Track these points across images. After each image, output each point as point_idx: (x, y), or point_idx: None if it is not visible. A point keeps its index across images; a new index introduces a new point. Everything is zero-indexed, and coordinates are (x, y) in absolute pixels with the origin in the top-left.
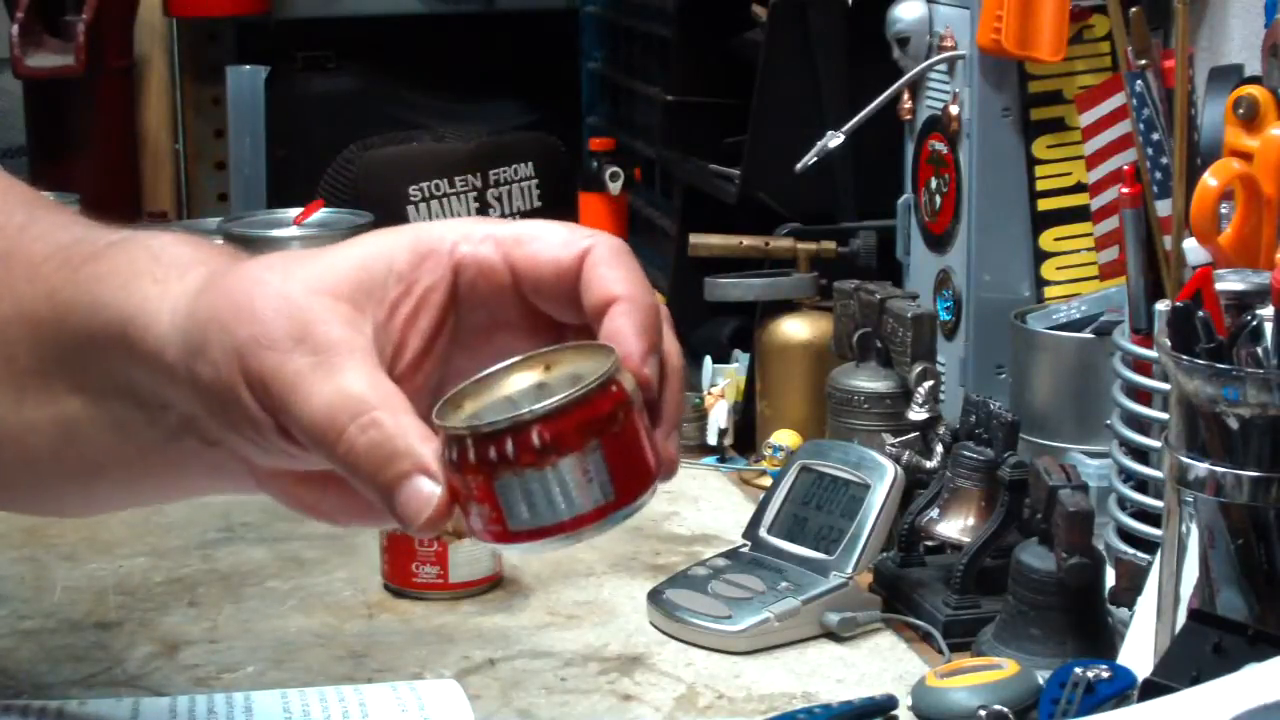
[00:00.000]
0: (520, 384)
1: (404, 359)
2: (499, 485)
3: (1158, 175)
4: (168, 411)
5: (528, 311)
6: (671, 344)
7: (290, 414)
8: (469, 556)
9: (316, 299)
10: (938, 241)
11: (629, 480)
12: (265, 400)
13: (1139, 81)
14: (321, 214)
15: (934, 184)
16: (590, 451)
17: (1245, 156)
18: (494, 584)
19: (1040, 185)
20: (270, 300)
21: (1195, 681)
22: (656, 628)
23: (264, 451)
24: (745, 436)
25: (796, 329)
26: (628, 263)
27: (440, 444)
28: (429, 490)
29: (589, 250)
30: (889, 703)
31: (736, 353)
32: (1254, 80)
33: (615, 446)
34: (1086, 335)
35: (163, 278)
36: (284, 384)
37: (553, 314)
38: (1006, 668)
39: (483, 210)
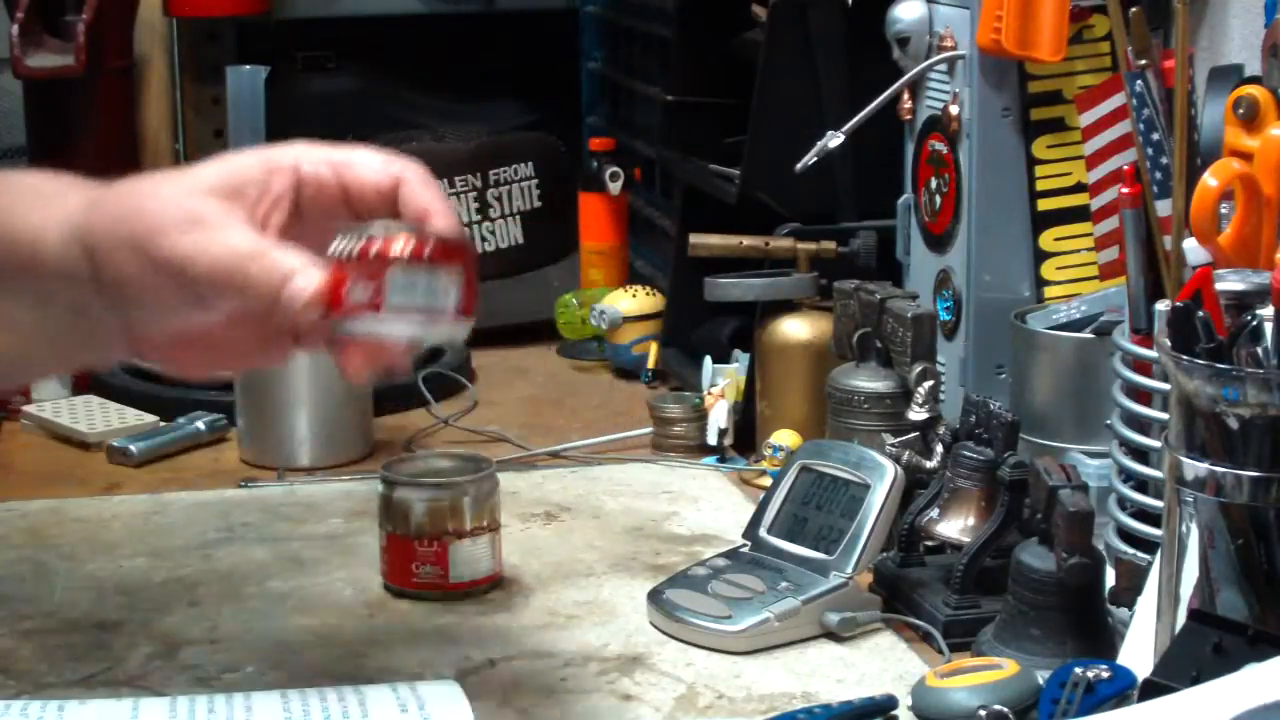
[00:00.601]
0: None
1: None
2: (391, 272)
3: (1158, 175)
4: (56, 305)
5: (355, 216)
6: None
7: (195, 275)
8: (469, 556)
9: (197, 196)
10: (938, 241)
11: (468, 305)
12: (172, 274)
13: (1139, 81)
14: None
15: (934, 184)
16: (456, 274)
17: (1245, 156)
18: (494, 584)
19: (1040, 185)
20: (162, 202)
21: (1195, 681)
22: (656, 628)
23: (170, 317)
24: (745, 436)
25: (796, 329)
26: (435, 186)
27: (342, 242)
28: (307, 278)
29: (401, 175)
30: (889, 703)
31: (736, 353)
32: (1254, 80)
33: (467, 280)
34: (1086, 335)
35: (46, 206)
36: (185, 255)
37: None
38: (1006, 668)
39: (482, 210)
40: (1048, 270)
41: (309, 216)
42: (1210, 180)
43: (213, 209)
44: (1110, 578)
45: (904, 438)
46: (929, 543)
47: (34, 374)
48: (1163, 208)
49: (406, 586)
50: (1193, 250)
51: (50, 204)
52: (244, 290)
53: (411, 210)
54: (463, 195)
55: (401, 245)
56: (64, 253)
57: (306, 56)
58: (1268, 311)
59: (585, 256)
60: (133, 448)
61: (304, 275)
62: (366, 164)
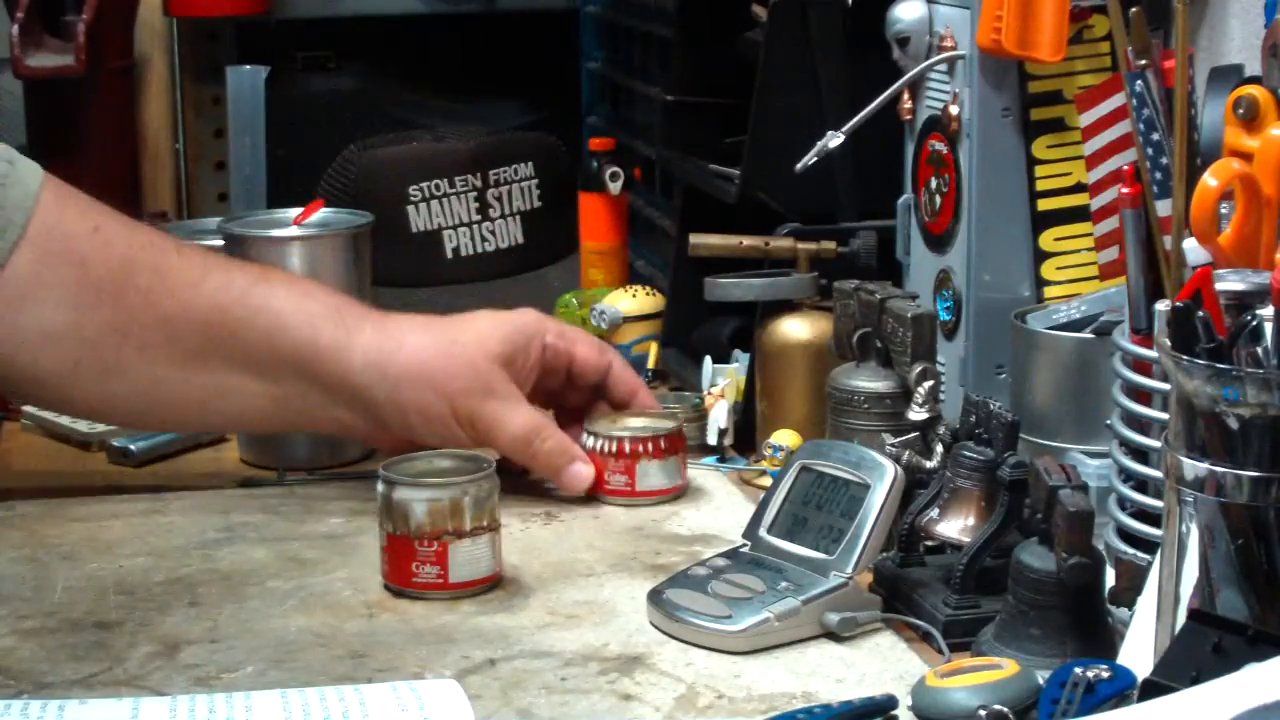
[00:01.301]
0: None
1: None
2: (640, 464)
3: (1158, 175)
4: (317, 401)
5: (570, 383)
6: None
7: (496, 436)
8: (469, 556)
9: (490, 365)
10: (938, 241)
11: (685, 476)
12: (472, 429)
13: (1139, 81)
14: (321, 214)
15: (934, 184)
16: (678, 456)
17: (1245, 156)
18: (493, 584)
19: (1040, 185)
20: (462, 364)
21: (1195, 681)
22: (656, 628)
23: (429, 438)
24: (745, 436)
25: (796, 329)
26: (632, 369)
27: (594, 439)
28: (587, 468)
29: (612, 359)
30: (889, 703)
31: (736, 353)
32: (1254, 80)
33: (683, 460)
34: (1086, 335)
35: (334, 326)
36: (489, 419)
37: (579, 385)
38: (1006, 668)
39: (482, 210)
40: (1048, 270)
41: (544, 379)
42: (1210, 180)
43: (500, 380)
44: (1110, 578)
45: (904, 438)
46: (929, 543)
47: (247, 430)
48: (1163, 208)
49: (406, 586)
50: (1193, 250)
51: (338, 325)
52: (531, 459)
53: (621, 387)
54: (463, 195)
55: (646, 442)
56: (364, 375)
57: (306, 56)
58: (1268, 311)
59: (585, 256)
60: (133, 447)
61: (583, 463)
62: (588, 344)
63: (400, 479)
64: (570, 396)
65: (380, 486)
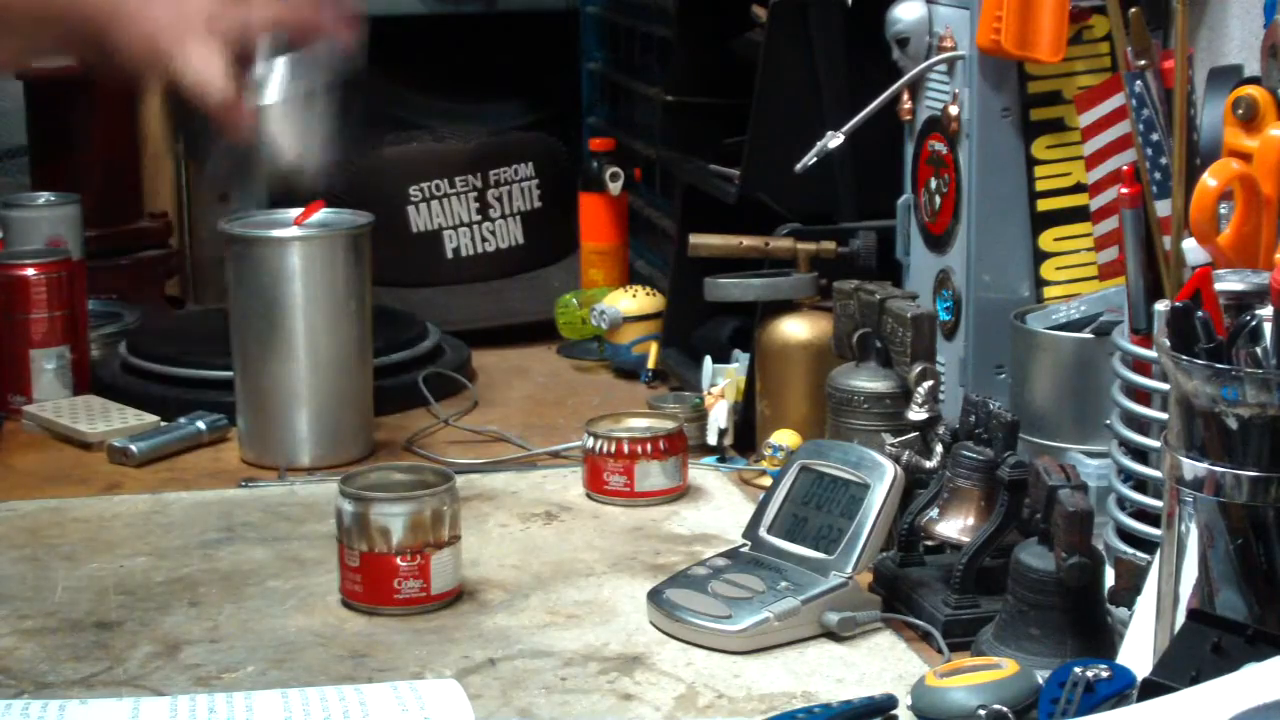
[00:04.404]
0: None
1: None
2: (638, 464)
3: (1157, 175)
4: None
5: None
6: None
7: (117, 35)
8: (447, 565)
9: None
10: (938, 241)
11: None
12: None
13: (1139, 82)
14: (321, 214)
15: (934, 184)
16: (678, 456)
17: (1244, 157)
18: (461, 594)
19: (1040, 185)
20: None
21: (1195, 681)
22: (656, 628)
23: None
24: (745, 436)
25: (796, 329)
26: None
27: (598, 441)
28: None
29: None
30: (889, 702)
31: (736, 353)
32: (1253, 80)
33: (684, 458)
34: (1086, 335)
35: None
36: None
37: None
38: (1006, 667)
39: (483, 210)
40: (1047, 270)
41: None
42: (1210, 180)
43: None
44: (1110, 578)
45: (904, 438)
46: (929, 543)
47: None
48: (1162, 208)
49: (387, 604)
50: (1192, 250)
51: None
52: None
53: None
54: (463, 195)
55: (646, 445)
56: None
57: None
58: (1267, 311)
59: (585, 256)
60: (133, 448)
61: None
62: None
63: (374, 495)
64: None
65: (348, 506)
